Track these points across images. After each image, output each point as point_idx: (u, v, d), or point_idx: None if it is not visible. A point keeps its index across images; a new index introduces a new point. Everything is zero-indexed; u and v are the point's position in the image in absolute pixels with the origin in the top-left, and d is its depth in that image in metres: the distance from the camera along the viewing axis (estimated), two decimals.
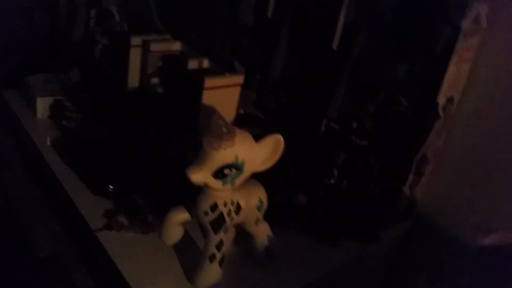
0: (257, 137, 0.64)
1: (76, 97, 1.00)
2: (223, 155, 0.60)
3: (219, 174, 0.62)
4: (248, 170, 0.64)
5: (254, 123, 0.85)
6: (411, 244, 0.93)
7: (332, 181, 0.89)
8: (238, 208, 0.67)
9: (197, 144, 0.62)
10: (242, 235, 0.73)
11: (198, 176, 0.61)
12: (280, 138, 0.64)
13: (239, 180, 0.64)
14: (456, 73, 0.80)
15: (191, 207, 0.68)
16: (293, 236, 0.81)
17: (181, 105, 0.84)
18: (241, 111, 0.88)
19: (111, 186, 0.80)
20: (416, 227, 0.92)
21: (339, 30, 0.93)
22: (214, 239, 0.66)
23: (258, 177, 0.69)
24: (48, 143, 0.92)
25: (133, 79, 0.94)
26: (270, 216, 0.73)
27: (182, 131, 0.82)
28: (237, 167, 0.62)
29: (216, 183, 0.62)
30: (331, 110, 0.96)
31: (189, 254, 0.72)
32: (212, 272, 0.68)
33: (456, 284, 0.64)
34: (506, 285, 0.55)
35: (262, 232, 0.73)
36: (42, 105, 1.04)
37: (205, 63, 0.92)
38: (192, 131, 0.82)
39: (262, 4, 1.06)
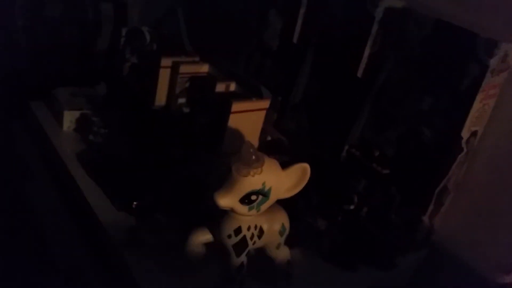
0: (284, 165, 0.66)
1: (102, 112, 1.02)
2: (251, 181, 0.62)
3: (246, 199, 0.63)
4: (274, 196, 0.65)
5: (280, 150, 0.87)
6: (428, 273, 0.93)
7: (352, 207, 0.90)
8: (261, 232, 0.68)
9: (224, 168, 0.64)
10: (264, 258, 0.74)
11: (226, 201, 0.62)
12: (307, 166, 0.65)
13: (264, 206, 0.65)
14: (481, 109, 0.81)
15: (215, 229, 0.69)
16: (312, 260, 0.82)
17: (207, 126, 0.86)
18: (269, 138, 0.89)
19: (135, 203, 0.82)
20: (434, 256, 0.92)
21: (364, 59, 0.94)
22: (236, 261, 0.67)
23: (282, 202, 0.70)
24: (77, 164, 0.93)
25: (161, 98, 0.96)
26: (290, 239, 0.74)
27: (207, 152, 0.83)
28: (264, 193, 0.63)
29: (242, 209, 0.64)
30: (353, 136, 0.97)
31: (209, 276, 0.73)
32: None
33: None
34: None
35: (283, 257, 0.73)
36: (69, 118, 1.06)
37: (232, 87, 0.94)
38: (216, 153, 0.83)
39: (288, 29, 1.08)
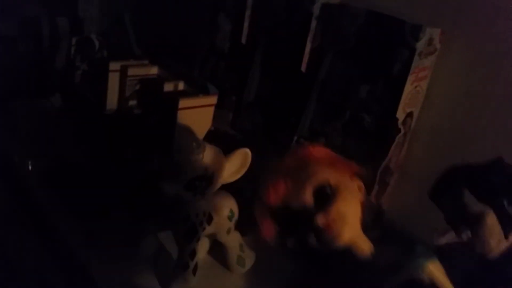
0: (227, 151, 0.69)
1: (57, 122, 1.03)
2: (193, 167, 0.65)
3: (190, 186, 0.66)
4: (217, 181, 0.68)
5: (224, 139, 0.90)
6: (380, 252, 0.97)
7: None
8: (210, 218, 0.71)
9: (170, 159, 0.67)
10: (216, 245, 0.77)
11: (170, 188, 0.65)
12: (247, 151, 0.69)
13: (209, 191, 0.68)
14: (413, 90, 0.87)
15: (166, 220, 0.72)
16: (265, 246, 0.84)
17: (157, 125, 0.89)
18: (212, 128, 0.93)
19: (90, 206, 0.84)
20: (385, 234, 0.96)
21: (306, 54, 0.99)
22: (187, 248, 0.70)
23: (229, 189, 0.73)
24: (30, 167, 0.96)
25: (112, 102, 0.98)
26: (243, 227, 0.77)
27: (159, 150, 0.86)
28: (207, 178, 0.66)
29: (187, 195, 0.66)
30: (301, 128, 1.01)
31: (164, 264, 0.75)
32: (186, 281, 0.71)
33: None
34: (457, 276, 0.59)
35: (234, 242, 0.76)
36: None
37: (181, 86, 0.97)
38: (168, 150, 0.86)
39: (237, 31, 1.12)
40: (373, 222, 0.94)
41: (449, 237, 0.65)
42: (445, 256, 0.59)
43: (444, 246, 0.65)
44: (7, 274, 0.89)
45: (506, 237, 0.51)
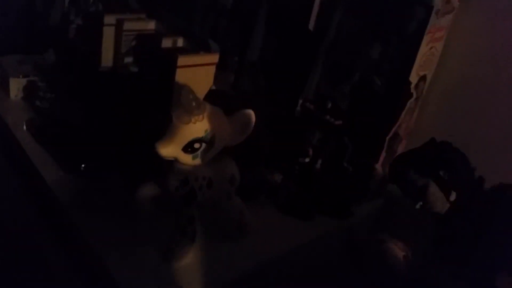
0: (229, 112, 0.64)
1: (50, 78, 0.98)
2: (193, 129, 0.60)
3: (189, 148, 0.62)
4: (218, 144, 0.64)
5: (225, 99, 0.85)
6: (385, 221, 0.94)
7: (307, 160, 0.90)
8: (210, 182, 0.67)
9: (167, 119, 0.62)
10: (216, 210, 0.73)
11: (168, 150, 0.61)
12: (250, 113, 0.64)
13: (209, 154, 0.64)
14: (428, 52, 0.81)
15: (162, 183, 0.68)
16: (267, 212, 0.82)
17: (155, 84, 0.84)
18: (213, 87, 0.88)
19: (83, 165, 0.80)
20: (390, 203, 0.93)
21: (315, 11, 0.93)
22: (186, 213, 0.67)
23: (231, 153, 0.69)
24: (24, 127, 0.91)
25: (107, 59, 0.93)
26: (244, 193, 0.74)
27: (156, 109, 0.81)
28: (207, 141, 0.62)
29: (186, 158, 0.62)
30: (307, 91, 0.96)
31: (162, 230, 0.72)
32: (184, 246, 0.68)
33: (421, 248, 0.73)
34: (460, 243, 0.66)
35: (235, 208, 0.73)
36: (16, 86, 1.02)
37: (180, 42, 0.91)
38: (166, 110, 0.81)
39: None
40: (378, 189, 0.91)
41: None
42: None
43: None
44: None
45: (447, 198, 0.65)
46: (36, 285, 0.80)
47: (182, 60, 0.81)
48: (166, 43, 0.88)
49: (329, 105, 0.91)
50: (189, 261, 0.69)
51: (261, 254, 0.73)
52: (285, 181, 0.87)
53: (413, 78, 0.82)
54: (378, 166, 0.87)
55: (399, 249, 0.73)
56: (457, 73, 0.86)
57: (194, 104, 0.60)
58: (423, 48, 0.79)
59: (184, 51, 0.88)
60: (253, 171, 0.82)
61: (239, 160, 0.71)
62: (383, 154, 0.86)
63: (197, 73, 0.85)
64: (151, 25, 0.97)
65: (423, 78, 0.84)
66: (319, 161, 0.90)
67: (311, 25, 0.94)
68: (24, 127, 0.91)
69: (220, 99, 0.71)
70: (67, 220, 0.75)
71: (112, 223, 0.73)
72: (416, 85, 0.83)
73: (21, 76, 1.02)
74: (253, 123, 0.65)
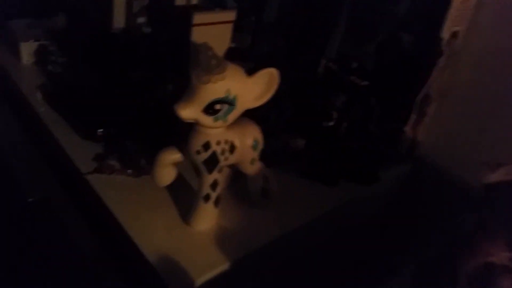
0: (250, 72, 0.60)
1: (61, 42, 0.95)
2: (213, 89, 0.57)
3: (210, 110, 0.58)
4: (240, 106, 0.60)
5: (246, 58, 0.81)
6: (413, 185, 0.91)
7: (331, 124, 0.86)
8: (232, 147, 0.64)
9: (186, 79, 0.59)
10: (239, 176, 0.70)
11: (188, 112, 0.57)
12: (274, 72, 0.60)
13: (231, 117, 0.60)
14: (461, 6, 0.76)
15: (184, 147, 0.65)
16: (291, 178, 0.79)
17: (170, 44, 0.80)
18: (233, 45, 0.83)
19: (100, 130, 0.77)
20: (419, 168, 0.89)
21: None
22: (208, 179, 0.64)
23: (254, 118, 0.66)
24: (39, 94, 0.88)
25: (119, 20, 0.88)
26: (267, 159, 0.71)
27: (172, 71, 0.78)
28: (229, 102, 0.58)
29: (207, 120, 0.59)
30: (330, 50, 0.92)
31: (184, 196, 0.70)
32: (208, 212, 0.66)
33: (460, 224, 0.63)
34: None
35: (258, 173, 0.70)
36: (27, 50, 0.99)
37: (194, 0, 0.86)
38: (183, 71, 0.78)
39: None
40: (406, 154, 0.88)
41: (500, 174, 0.58)
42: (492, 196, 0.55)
43: (493, 185, 0.58)
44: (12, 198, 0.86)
45: None
46: (55, 249, 0.79)
47: (197, 18, 0.77)
48: (180, 0, 0.83)
49: (354, 65, 0.87)
50: (212, 227, 0.67)
51: (284, 221, 0.70)
52: (309, 146, 0.84)
53: (445, 34, 0.76)
54: (407, 129, 0.82)
55: None
56: (492, 29, 0.80)
57: (213, 62, 0.56)
58: (456, 2, 0.74)
59: (199, 8, 0.83)
60: (275, 135, 0.79)
61: (261, 125, 0.68)
62: (413, 116, 0.82)
63: (214, 32, 0.80)
64: None
65: (455, 34, 0.78)
66: (344, 125, 0.86)
67: None
68: (39, 94, 0.88)
69: (241, 57, 0.67)
70: (85, 186, 0.73)
71: (132, 190, 0.71)
72: (448, 42, 0.78)
73: (32, 40, 0.99)
74: (278, 82, 0.61)
